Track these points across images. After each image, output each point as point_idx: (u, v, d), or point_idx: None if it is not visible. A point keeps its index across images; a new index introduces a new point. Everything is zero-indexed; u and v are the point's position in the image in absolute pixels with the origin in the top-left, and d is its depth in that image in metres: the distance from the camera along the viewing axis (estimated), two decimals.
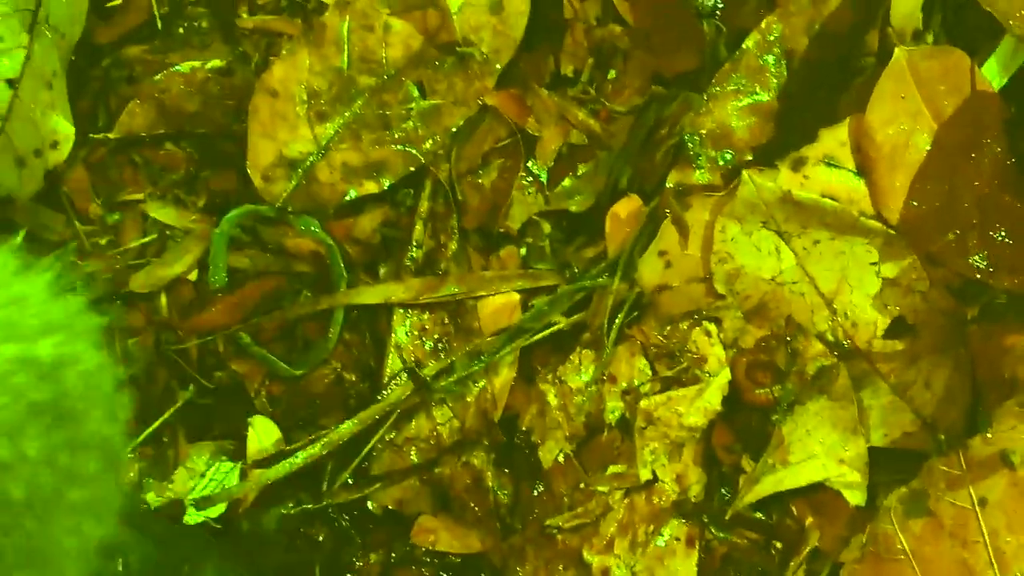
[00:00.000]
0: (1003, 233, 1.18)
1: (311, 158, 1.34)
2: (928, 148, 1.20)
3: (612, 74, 1.35)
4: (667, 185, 1.26)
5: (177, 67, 1.40)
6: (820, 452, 1.21)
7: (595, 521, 1.26)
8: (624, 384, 1.27)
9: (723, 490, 1.26)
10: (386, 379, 1.32)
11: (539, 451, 1.29)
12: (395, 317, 1.33)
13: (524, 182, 1.34)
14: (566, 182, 1.34)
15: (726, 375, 1.24)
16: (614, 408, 1.27)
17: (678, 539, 1.24)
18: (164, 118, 1.39)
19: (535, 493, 1.29)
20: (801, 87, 1.27)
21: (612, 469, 1.26)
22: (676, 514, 1.24)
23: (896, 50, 1.19)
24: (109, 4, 1.43)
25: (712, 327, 1.25)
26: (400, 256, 1.34)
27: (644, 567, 1.24)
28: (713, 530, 1.25)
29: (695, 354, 1.25)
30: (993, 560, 1.13)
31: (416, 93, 1.35)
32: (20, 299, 0.72)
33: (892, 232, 1.20)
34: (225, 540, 1.32)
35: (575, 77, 1.35)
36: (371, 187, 1.34)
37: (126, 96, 1.40)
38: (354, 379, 1.35)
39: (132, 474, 1.33)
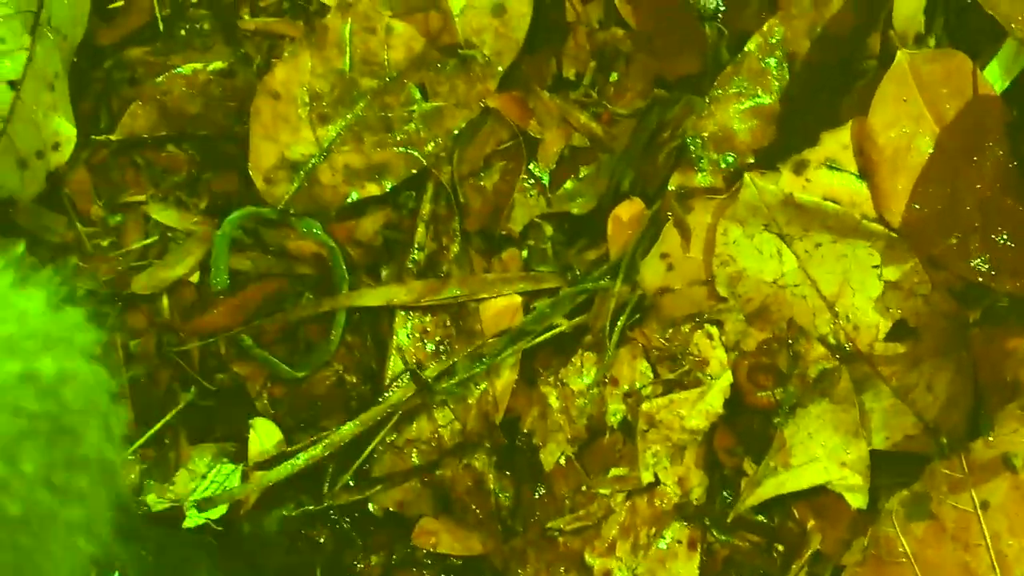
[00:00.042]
0: (1005, 236, 1.18)
1: (313, 160, 1.34)
2: (930, 151, 1.20)
3: (614, 77, 1.35)
4: (669, 188, 1.26)
5: (179, 69, 1.40)
6: (822, 455, 1.21)
7: (597, 524, 1.26)
8: (626, 387, 1.27)
9: (725, 493, 1.26)
10: (387, 381, 1.32)
11: (541, 453, 1.29)
12: (397, 319, 1.33)
13: (526, 184, 1.34)
14: (568, 185, 1.34)
15: (728, 378, 1.24)
16: (616, 411, 1.27)
17: (680, 542, 1.24)
18: (166, 120, 1.39)
19: (536, 495, 1.29)
20: (803, 90, 1.27)
21: (614, 472, 1.26)
22: (678, 517, 1.24)
23: (898, 53, 1.19)
24: (111, 6, 1.43)
25: (714, 330, 1.25)
26: (402, 258, 1.34)
27: (646, 570, 1.24)
28: (715, 533, 1.25)
29: (697, 357, 1.25)
30: (995, 563, 1.13)
31: (418, 95, 1.35)
32: (21, 314, 0.71)
33: (894, 235, 1.20)
34: (226, 542, 1.32)
35: (577, 80, 1.35)
36: (373, 189, 1.34)
37: (128, 98, 1.40)
38: (356, 381, 1.35)
39: (133, 476, 1.33)
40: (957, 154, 1.19)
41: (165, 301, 1.37)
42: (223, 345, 1.36)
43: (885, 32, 1.25)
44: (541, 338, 1.30)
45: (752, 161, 1.26)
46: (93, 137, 1.39)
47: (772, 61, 1.27)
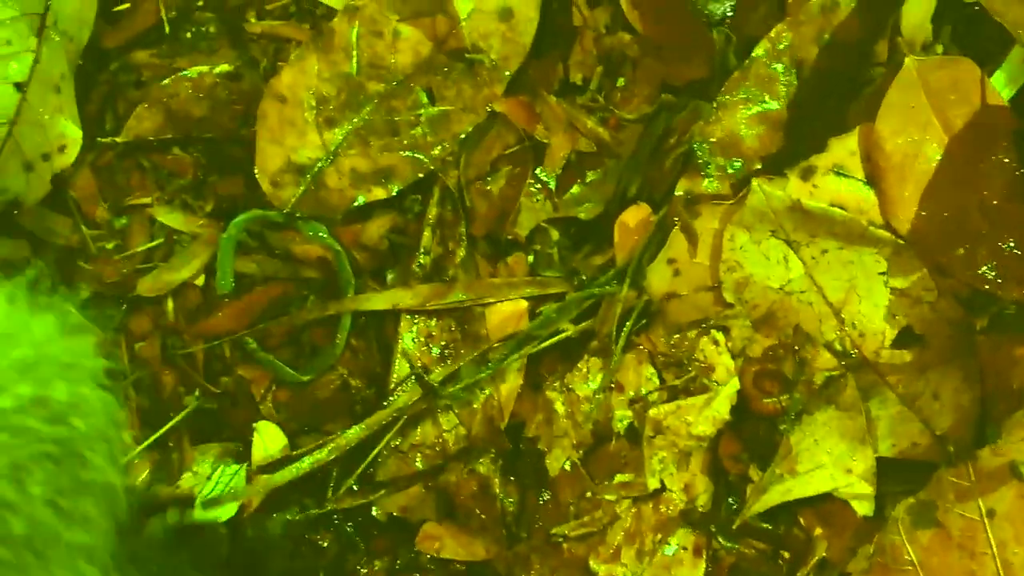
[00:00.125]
0: (1012, 244, 1.18)
1: (319, 164, 1.34)
2: (937, 158, 1.20)
3: (621, 82, 1.35)
4: (676, 193, 1.26)
5: (185, 72, 1.40)
6: (828, 462, 1.21)
7: (602, 530, 1.25)
8: (632, 393, 1.26)
9: (730, 499, 1.26)
10: (392, 385, 1.32)
11: (546, 459, 1.28)
12: (402, 323, 1.32)
13: (532, 189, 1.34)
14: (575, 189, 1.34)
15: (735, 384, 1.24)
16: (622, 417, 1.26)
17: (685, 548, 1.24)
18: (172, 122, 1.39)
19: (541, 501, 1.29)
20: (811, 96, 1.27)
21: (619, 478, 1.26)
22: (683, 523, 1.24)
23: (906, 60, 1.19)
24: (117, 8, 1.43)
25: (720, 336, 1.25)
26: (408, 262, 1.34)
27: None
28: (720, 540, 1.25)
29: (703, 363, 1.25)
30: (1001, 572, 1.13)
31: (425, 99, 1.35)
32: (34, 340, 0.72)
33: (901, 242, 1.20)
34: (229, 549, 1.32)
35: (584, 85, 1.35)
36: (379, 193, 1.34)
37: (134, 100, 1.40)
38: (360, 385, 1.35)
39: (141, 478, 1.32)
40: (964, 161, 1.19)
41: (170, 304, 1.37)
42: (228, 348, 1.36)
43: (893, 39, 1.25)
44: (547, 343, 1.30)
45: (759, 167, 1.26)
46: (99, 139, 1.39)
47: (780, 67, 1.27)
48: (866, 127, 1.21)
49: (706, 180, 1.26)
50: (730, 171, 1.26)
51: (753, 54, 1.27)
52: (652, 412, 1.24)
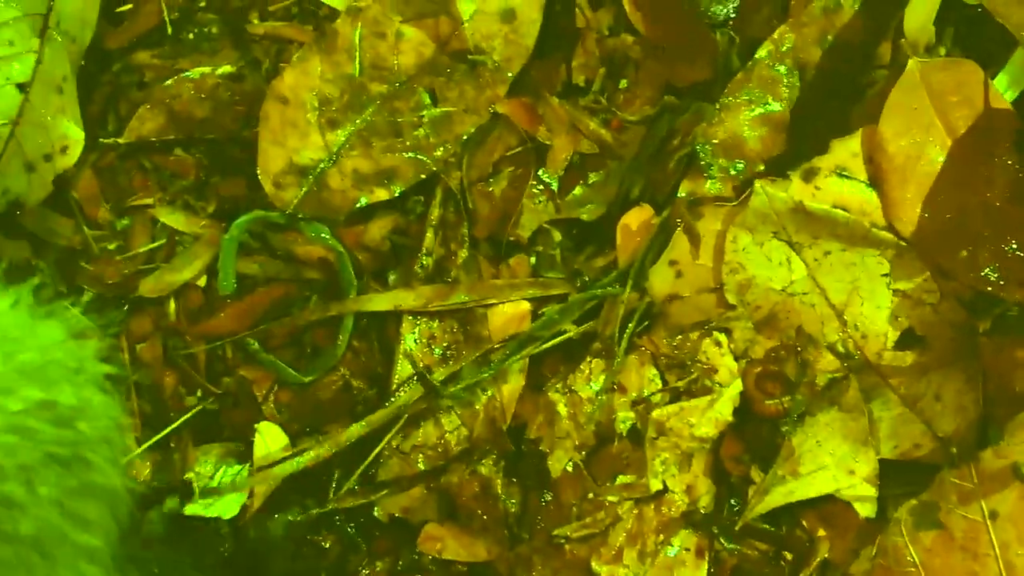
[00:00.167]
0: (1014, 246, 1.18)
1: (322, 165, 1.34)
2: (940, 160, 1.20)
3: (624, 83, 1.35)
4: (679, 195, 1.26)
5: (187, 73, 1.40)
6: (830, 463, 1.21)
7: (604, 531, 1.25)
8: (634, 394, 1.26)
9: (733, 501, 1.26)
10: (394, 386, 1.32)
11: (548, 460, 1.28)
12: (404, 325, 1.32)
13: (535, 190, 1.34)
14: (577, 191, 1.34)
15: (737, 386, 1.24)
16: (624, 418, 1.26)
17: (687, 550, 1.24)
18: (174, 123, 1.39)
19: (543, 502, 1.29)
20: (813, 98, 1.27)
21: (621, 479, 1.26)
22: (685, 525, 1.24)
23: (909, 62, 1.19)
24: (119, 9, 1.43)
25: (722, 337, 1.25)
26: (410, 264, 1.34)
27: None
28: (723, 541, 1.25)
29: (705, 364, 1.25)
30: (1003, 573, 1.13)
31: (427, 101, 1.35)
32: (40, 344, 0.73)
33: (904, 244, 1.20)
34: (231, 548, 1.32)
35: (587, 86, 1.35)
36: (382, 194, 1.34)
37: (136, 101, 1.40)
38: (362, 386, 1.35)
39: (143, 478, 1.32)
40: (967, 163, 1.19)
41: (172, 305, 1.37)
42: (230, 349, 1.36)
43: (896, 41, 1.25)
44: (549, 344, 1.30)
45: (762, 168, 1.26)
46: (101, 140, 1.39)
47: (783, 68, 1.27)
48: (869, 129, 1.21)
49: (709, 182, 1.26)
50: (733, 172, 1.27)
51: (756, 56, 1.27)
52: (655, 414, 1.24)
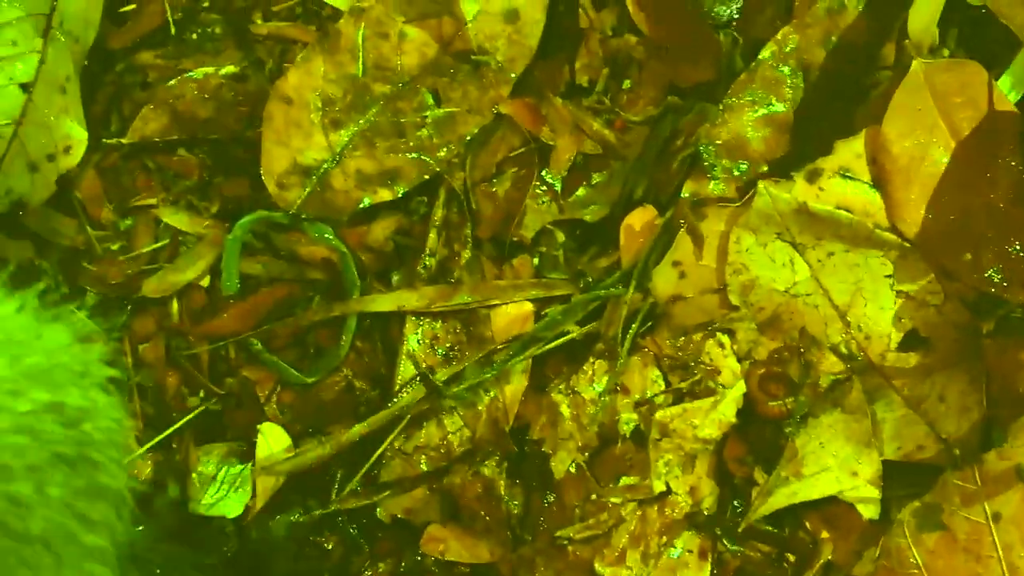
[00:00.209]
0: (1018, 247, 1.18)
1: (325, 165, 1.34)
2: (944, 161, 1.19)
3: (627, 84, 1.35)
4: (682, 195, 1.26)
5: (191, 73, 1.40)
6: (833, 465, 1.21)
7: (607, 532, 1.25)
8: (637, 395, 1.26)
9: (736, 502, 1.26)
10: (397, 387, 1.32)
11: (551, 461, 1.28)
12: (407, 325, 1.32)
13: (538, 191, 1.34)
14: (580, 192, 1.34)
15: (741, 387, 1.24)
16: (628, 419, 1.26)
17: (691, 551, 1.24)
18: (177, 124, 1.39)
19: (546, 503, 1.29)
20: (817, 99, 1.27)
21: (624, 480, 1.26)
22: (689, 526, 1.24)
23: (913, 63, 1.19)
24: (123, 9, 1.43)
25: (725, 339, 1.25)
26: (413, 264, 1.34)
27: None
28: (726, 542, 1.25)
29: (708, 366, 1.25)
30: (1007, 575, 1.13)
31: (431, 101, 1.35)
32: (46, 347, 0.73)
33: (907, 245, 1.20)
34: (234, 548, 1.32)
35: (590, 87, 1.35)
36: (385, 195, 1.34)
37: (139, 101, 1.40)
38: (365, 387, 1.35)
39: (145, 478, 1.32)
40: (971, 165, 1.19)
41: (175, 305, 1.37)
42: (233, 350, 1.36)
43: (900, 42, 1.25)
44: (552, 345, 1.30)
45: (765, 169, 1.26)
46: (104, 140, 1.39)
47: (786, 69, 1.27)
48: (872, 130, 1.21)
49: (712, 182, 1.26)
50: (736, 173, 1.26)
51: (760, 56, 1.27)
52: (658, 415, 1.24)
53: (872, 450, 1.20)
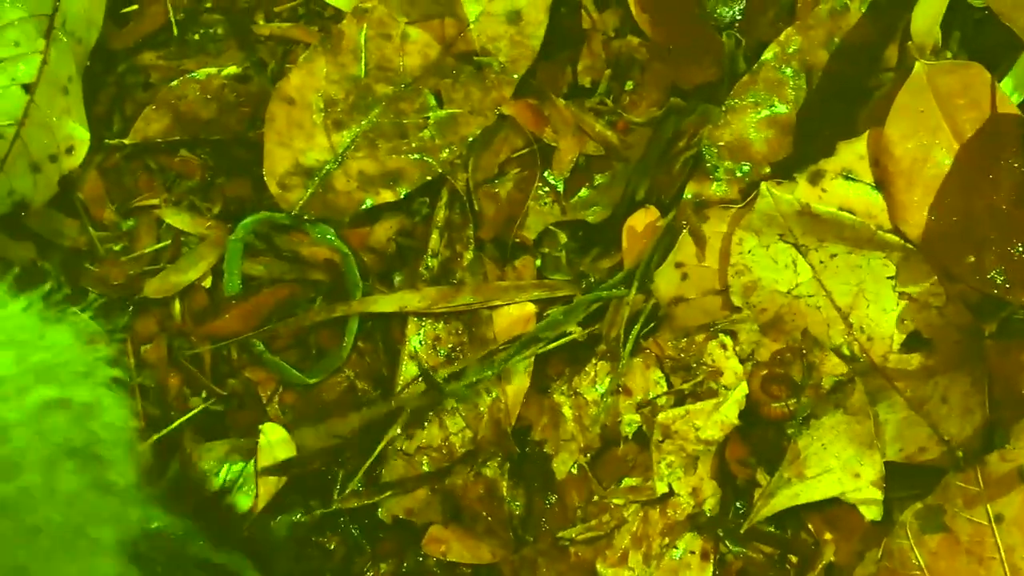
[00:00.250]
0: (1021, 249, 1.18)
1: (327, 166, 1.34)
2: (947, 163, 1.19)
3: (630, 85, 1.35)
4: (684, 197, 1.26)
5: (193, 73, 1.40)
6: (836, 466, 1.21)
7: (609, 534, 1.25)
8: (639, 397, 1.26)
9: (738, 504, 1.26)
10: (399, 388, 1.32)
11: (553, 462, 1.28)
12: (409, 326, 1.32)
13: (540, 192, 1.34)
14: (583, 193, 1.34)
15: (743, 389, 1.23)
16: (630, 421, 1.26)
17: (693, 552, 1.24)
18: (180, 124, 1.39)
19: (548, 504, 1.29)
20: (820, 100, 1.27)
21: (627, 482, 1.26)
22: (691, 527, 1.24)
23: (916, 64, 1.19)
24: (125, 10, 1.43)
25: (728, 340, 1.25)
26: (415, 265, 1.34)
27: None
28: (728, 544, 1.24)
29: (711, 367, 1.25)
30: None
31: (433, 102, 1.35)
32: (51, 346, 0.75)
33: (910, 246, 1.20)
34: (236, 549, 1.32)
35: (593, 88, 1.35)
36: (387, 196, 1.34)
37: (142, 102, 1.40)
38: (367, 388, 1.35)
39: (147, 475, 1.32)
40: (974, 166, 1.19)
41: (177, 306, 1.37)
42: (235, 350, 1.36)
43: (902, 44, 1.25)
44: (554, 346, 1.30)
45: (768, 171, 1.26)
46: (106, 141, 1.40)
47: (789, 71, 1.27)
48: (875, 131, 1.21)
49: (714, 184, 1.26)
50: (739, 175, 1.26)
51: (762, 58, 1.27)
52: (660, 416, 1.24)
53: (874, 451, 1.20)
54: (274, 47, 1.42)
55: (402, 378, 1.32)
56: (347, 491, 1.31)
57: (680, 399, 1.25)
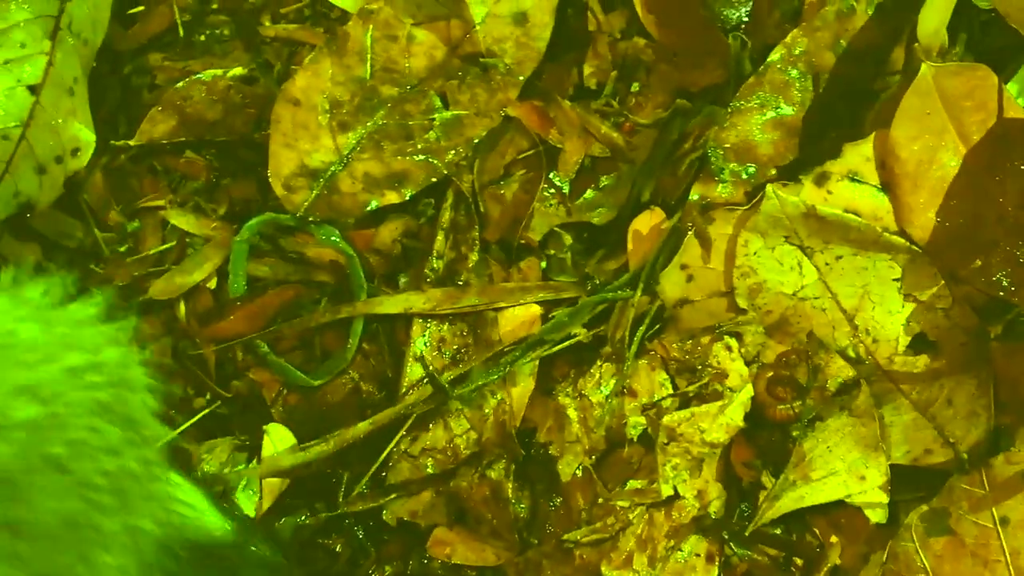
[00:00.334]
0: None
1: (333, 168, 1.34)
2: (953, 165, 1.19)
3: (635, 87, 1.35)
4: (690, 199, 1.26)
5: (199, 75, 1.40)
6: (841, 469, 1.21)
7: (614, 536, 1.25)
8: (644, 399, 1.26)
9: (743, 506, 1.25)
10: (404, 390, 1.32)
11: (558, 464, 1.28)
12: (414, 328, 1.32)
13: (546, 194, 1.34)
14: (588, 194, 1.34)
15: (749, 391, 1.23)
16: (635, 423, 1.26)
17: (698, 555, 1.24)
18: (185, 126, 1.39)
19: (553, 507, 1.29)
20: (826, 102, 1.27)
21: (632, 484, 1.26)
22: (696, 530, 1.24)
23: (922, 66, 1.19)
24: (131, 11, 1.43)
25: (733, 342, 1.25)
26: (420, 267, 1.34)
27: None
28: (733, 546, 1.24)
29: (716, 369, 1.25)
30: None
31: (439, 104, 1.35)
32: (76, 318, 0.76)
33: (916, 249, 1.20)
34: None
35: (598, 89, 1.35)
36: (392, 197, 1.34)
37: (147, 103, 1.40)
38: (372, 390, 1.35)
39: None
40: (980, 169, 1.19)
41: (182, 307, 1.37)
42: (239, 352, 1.36)
43: (909, 45, 1.25)
44: (559, 347, 1.30)
45: (774, 172, 1.26)
46: (112, 142, 1.40)
47: (795, 73, 1.27)
48: (881, 133, 1.21)
49: (720, 186, 1.26)
50: (744, 177, 1.26)
51: (768, 60, 1.27)
52: (665, 419, 1.24)
53: (880, 454, 1.20)
54: (280, 48, 1.42)
55: (407, 380, 1.32)
56: (352, 494, 1.31)
57: (685, 401, 1.25)
